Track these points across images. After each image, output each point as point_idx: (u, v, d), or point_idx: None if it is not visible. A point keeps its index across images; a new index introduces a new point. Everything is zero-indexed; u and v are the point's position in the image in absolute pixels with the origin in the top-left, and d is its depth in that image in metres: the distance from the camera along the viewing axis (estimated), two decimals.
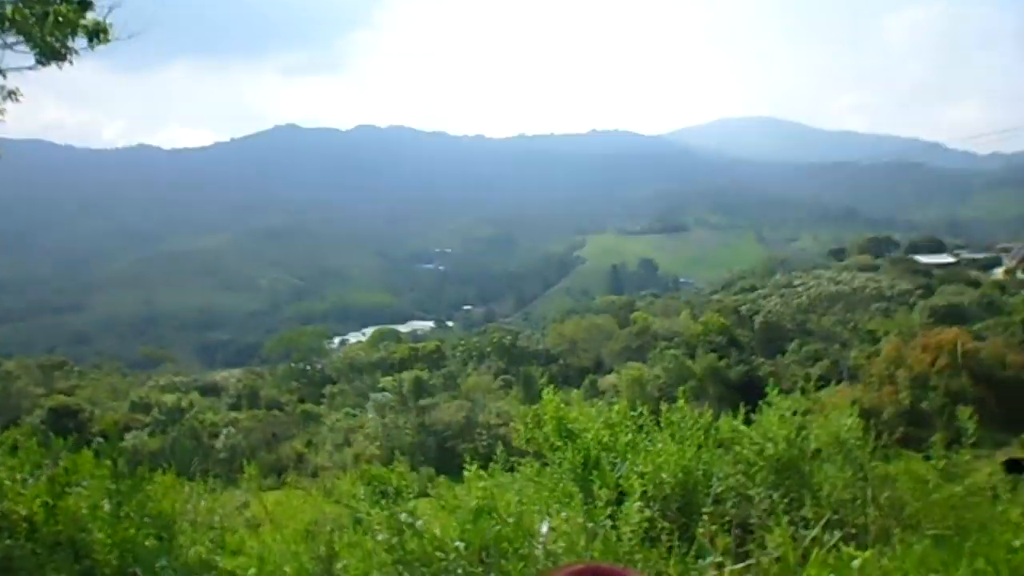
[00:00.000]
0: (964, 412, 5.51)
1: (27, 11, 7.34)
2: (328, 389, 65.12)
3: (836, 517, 4.76)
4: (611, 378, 52.91)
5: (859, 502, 4.84)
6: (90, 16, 7.74)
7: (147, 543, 4.95)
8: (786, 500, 4.79)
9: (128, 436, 38.33)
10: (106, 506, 5.25)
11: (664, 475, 5.23)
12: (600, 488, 4.82)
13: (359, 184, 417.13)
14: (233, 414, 49.10)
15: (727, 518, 4.91)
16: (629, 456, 5.59)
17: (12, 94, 8.23)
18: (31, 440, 6.33)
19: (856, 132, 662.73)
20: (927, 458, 5.56)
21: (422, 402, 45.60)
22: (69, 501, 5.20)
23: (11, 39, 7.60)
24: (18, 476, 5.60)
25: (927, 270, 75.24)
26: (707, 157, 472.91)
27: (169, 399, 48.51)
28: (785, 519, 4.41)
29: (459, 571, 4.44)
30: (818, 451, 5.42)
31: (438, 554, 4.55)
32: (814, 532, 4.43)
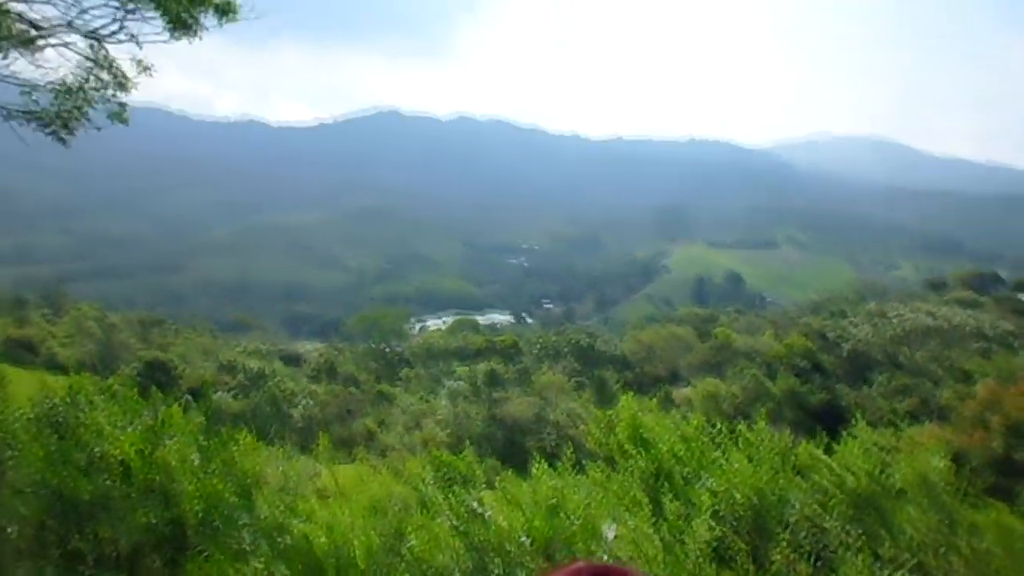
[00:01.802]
0: None
1: None
2: (404, 371, 66.25)
3: (916, 561, 4.57)
4: (686, 391, 51.97)
5: (943, 549, 4.63)
6: None
7: (230, 499, 5.19)
8: (863, 536, 4.64)
9: (214, 396, 39.99)
10: (195, 459, 5.54)
11: (737, 495, 5.13)
12: (671, 500, 4.79)
13: (453, 172, 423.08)
14: (312, 386, 50.51)
15: (802, 546, 4.79)
16: (703, 471, 5.51)
17: (147, 69, 8.75)
18: (131, 390, 6.74)
19: (967, 159, 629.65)
20: (1020, 512, 5.28)
21: (494, 394, 45.81)
22: (162, 451, 5.51)
23: (148, 13, 8.06)
24: (118, 422, 5.96)
25: None
26: (805, 173, 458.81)
27: (254, 364, 50.32)
28: (864, 555, 4.28)
29: (524, 564, 4.49)
30: (902, 490, 5.21)
31: (505, 545, 4.61)
32: (897, 575, 4.28)
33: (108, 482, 5.18)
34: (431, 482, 6.16)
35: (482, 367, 50.02)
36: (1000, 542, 4.72)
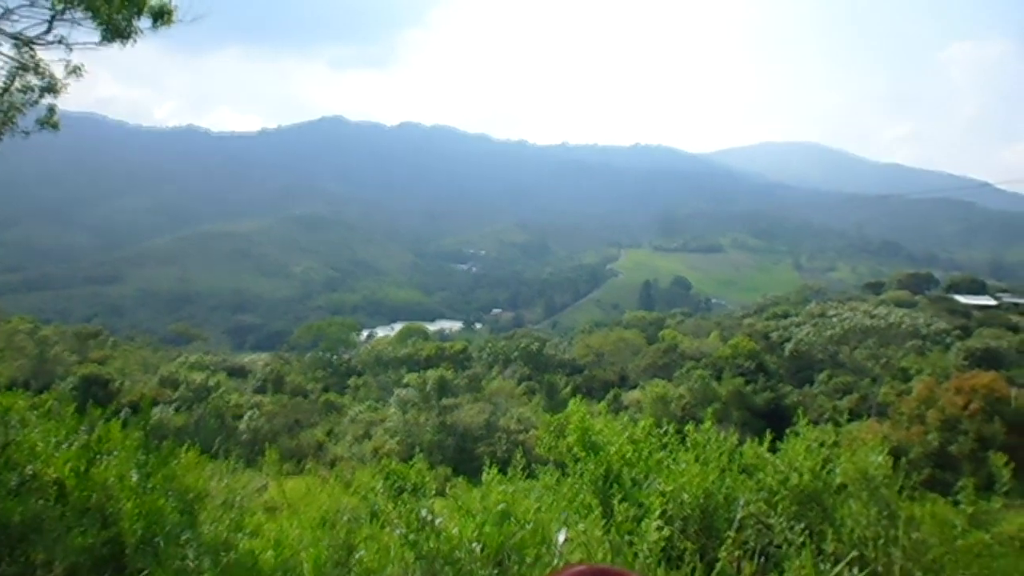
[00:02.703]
0: (998, 459, 5.40)
1: None
2: (353, 381, 65.56)
3: (859, 555, 4.68)
4: (635, 393, 52.54)
5: (883, 542, 4.75)
6: None
7: (172, 516, 5.04)
8: (808, 533, 4.73)
9: (155, 410, 38.92)
10: (134, 477, 5.37)
11: (686, 495, 5.19)
12: (620, 503, 4.81)
13: (399, 180, 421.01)
14: (258, 397, 49.58)
15: (749, 544, 4.87)
16: (652, 473, 5.56)
17: (76, 70, 8.49)
18: (68, 406, 6.50)
19: (903, 165, 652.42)
20: (955, 503, 5.45)
21: (444, 401, 45.58)
22: (99, 469, 5.32)
23: (79, 15, 7.81)
24: (52, 440, 5.74)
25: (966, 311, 73.63)
26: (748, 179, 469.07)
27: (197, 377, 49.11)
28: (808, 551, 4.36)
29: (475, 572, 4.46)
30: (844, 486, 5.33)
31: (455, 554, 4.58)
32: (838, 569, 4.37)
33: (41, 503, 4.97)
34: (381, 492, 6.09)
35: (432, 374, 49.74)
36: (937, 533, 4.87)
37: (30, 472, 5.28)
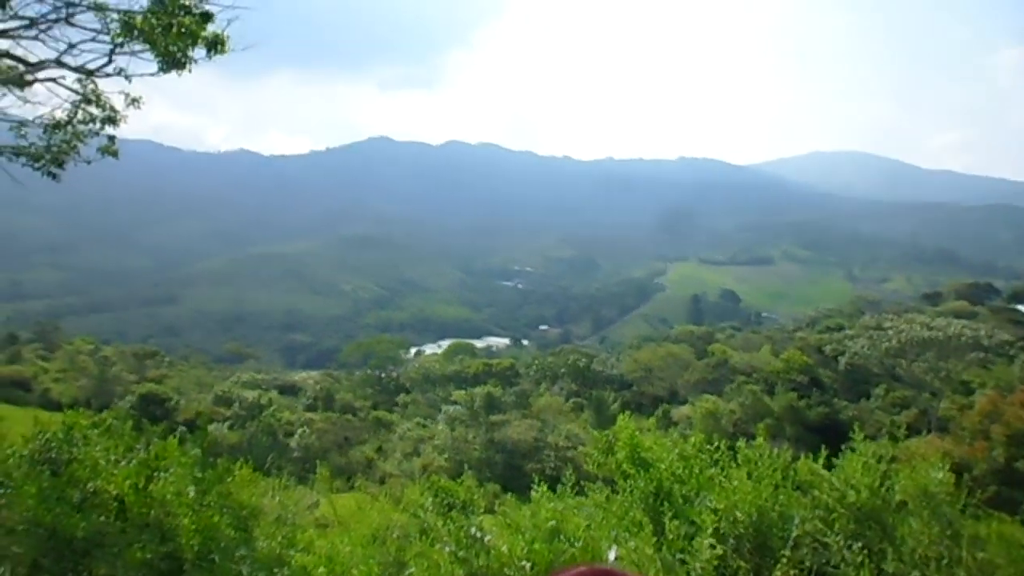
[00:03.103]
0: None
1: (154, 21, 7.82)
2: (401, 398, 66.04)
3: (921, 575, 4.54)
4: (685, 409, 51.81)
5: (947, 562, 4.60)
6: (210, 28, 8.19)
7: (227, 532, 5.13)
8: (866, 552, 4.60)
9: (210, 428, 39.70)
10: (191, 493, 5.49)
11: (738, 513, 5.10)
12: (671, 520, 4.75)
13: (446, 198, 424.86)
14: (309, 415, 50.24)
15: (805, 563, 4.76)
16: (703, 490, 5.48)
17: (135, 101, 8.81)
18: (126, 424, 6.69)
19: (956, 172, 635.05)
20: (1023, 522, 5.25)
21: (493, 418, 45.60)
22: (158, 485, 5.45)
23: (137, 47, 8.11)
24: (112, 457, 5.91)
25: None
26: (797, 190, 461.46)
27: (250, 395, 50.06)
28: (867, 571, 4.24)
29: None
30: (904, 503, 5.18)
31: (505, 571, 4.56)
32: None
33: (103, 518, 5.11)
34: (430, 509, 6.11)
35: (480, 391, 49.83)
36: (1003, 553, 4.69)
37: (91, 488, 5.44)
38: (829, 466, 5.69)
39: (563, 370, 66.88)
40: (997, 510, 5.83)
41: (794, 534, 4.94)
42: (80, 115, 8.78)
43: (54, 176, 8.84)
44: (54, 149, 8.68)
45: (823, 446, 6.10)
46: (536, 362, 75.06)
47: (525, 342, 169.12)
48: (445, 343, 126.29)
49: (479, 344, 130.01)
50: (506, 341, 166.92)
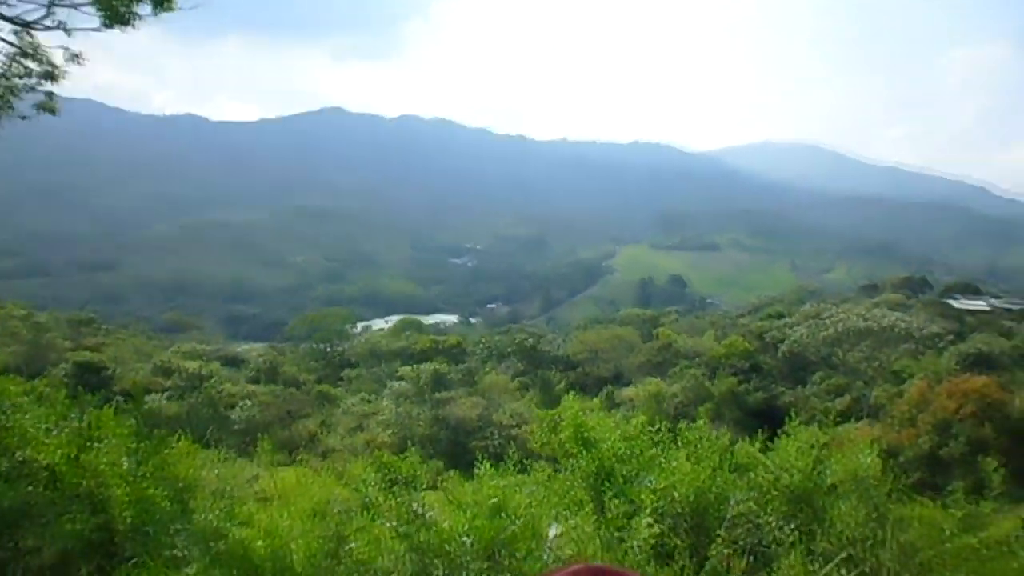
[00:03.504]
0: (989, 463, 5.42)
1: None
2: (347, 373, 65.48)
3: (848, 555, 4.69)
4: (629, 391, 52.50)
5: (873, 543, 4.76)
6: None
7: (163, 504, 5.03)
8: (798, 532, 4.75)
9: (148, 398, 38.83)
10: (125, 464, 5.35)
11: (677, 493, 5.20)
12: (612, 499, 4.81)
13: (398, 173, 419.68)
14: (252, 387, 49.42)
15: (739, 543, 4.88)
16: (644, 471, 5.57)
17: (76, 57, 8.45)
18: (60, 392, 6.49)
19: (902, 167, 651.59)
20: (945, 506, 5.46)
21: (438, 395, 45.60)
22: (91, 455, 5.31)
23: (79, 0, 7.77)
24: (44, 426, 5.72)
25: (960, 315, 73.71)
26: (747, 178, 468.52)
27: (191, 366, 49.03)
28: (798, 550, 4.37)
29: (466, 566, 4.46)
30: (834, 486, 5.35)
31: (446, 547, 4.58)
32: (827, 568, 4.39)
33: (32, 488, 4.96)
34: (374, 484, 6.08)
35: (427, 368, 49.76)
36: (927, 535, 4.89)
37: (21, 458, 5.27)
38: (766, 449, 5.83)
39: (510, 349, 67.11)
40: (921, 494, 6.06)
41: (730, 514, 5.07)
42: (16, 68, 8.39)
43: None
44: None
45: (761, 430, 6.26)
46: (484, 340, 75.16)
47: (474, 320, 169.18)
48: (393, 319, 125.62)
49: (427, 320, 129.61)
50: (455, 318, 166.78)
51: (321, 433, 43.58)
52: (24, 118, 8.68)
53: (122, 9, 7.74)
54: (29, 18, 8.00)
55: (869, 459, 5.32)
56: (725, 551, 4.65)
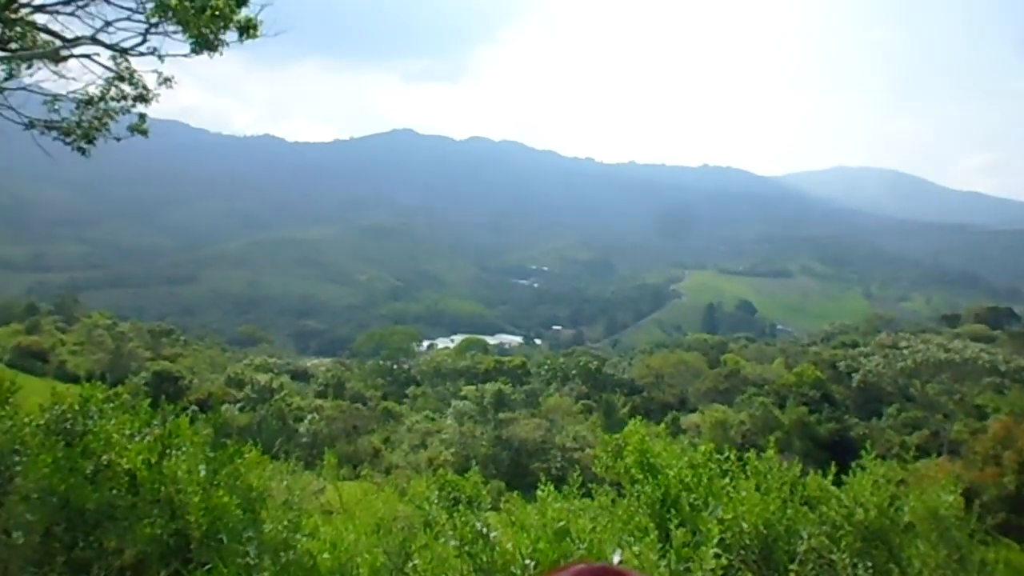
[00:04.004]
0: None
1: (188, 3, 7.90)
2: (411, 390, 66.21)
3: None
4: (694, 417, 51.65)
5: None
6: (243, 12, 8.26)
7: (235, 513, 5.18)
8: (873, 571, 4.58)
9: (222, 408, 39.95)
10: (202, 472, 5.54)
11: (745, 524, 5.09)
12: (677, 527, 4.74)
13: (466, 193, 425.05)
14: (319, 401, 50.47)
15: None
16: (711, 499, 5.47)
17: (167, 81, 8.92)
18: (142, 400, 6.76)
19: (984, 194, 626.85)
20: None
21: (501, 415, 45.66)
22: (170, 462, 5.51)
23: (171, 28, 8.20)
24: (126, 431, 5.97)
25: None
26: (819, 204, 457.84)
27: (262, 378, 50.38)
28: None
29: None
30: (912, 524, 5.15)
31: (510, 568, 4.58)
32: None
33: (114, 491, 5.18)
34: (436, 502, 6.13)
35: (490, 387, 49.90)
36: None
37: (105, 461, 5.50)
38: (838, 483, 5.65)
39: (574, 371, 66.81)
40: (1005, 537, 5.79)
41: (801, 549, 4.93)
42: (112, 92, 8.91)
43: (83, 151, 8.97)
44: (85, 124, 8.81)
45: (832, 462, 6.07)
46: (548, 362, 75.05)
47: (538, 341, 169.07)
48: (458, 338, 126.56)
49: (491, 341, 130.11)
50: (519, 339, 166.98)
51: (384, 449, 44.15)
52: (119, 139, 9.18)
53: (211, 37, 8.13)
54: (126, 45, 8.48)
55: (950, 497, 5.10)
56: None
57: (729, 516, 5.10)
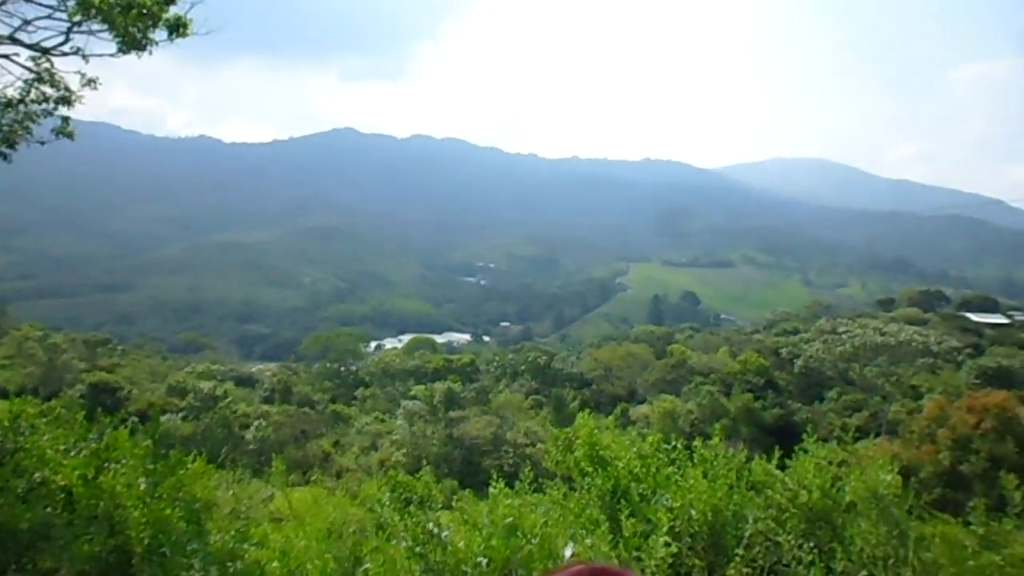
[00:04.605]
0: (1009, 480, 5.33)
1: (112, 1, 7.63)
2: (360, 392, 65.53)
3: (868, 575, 4.64)
4: (643, 408, 52.30)
5: (893, 561, 4.70)
6: (172, 10, 8.02)
7: (179, 525, 5.04)
8: (817, 551, 4.69)
9: (162, 419, 38.89)
10: (142, 485, 5.36)
11: (694, 512, 5.16)
12: (628, 518, 4.78)
13: (410, 192, 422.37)
14: (265, 407, 49.56)
15: (758, 562, 4.83)
16: (660, 489, 5.53)
17: (92, 82, 8.59)
18: (77, 413, 6.52)
19: (914, 182, 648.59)
20: (966, 523, 5.39)
21: (452, 414, 45.55)
22: (108, 476, 5.32)
23: (96, 27, 7.90)
24: (60, 447, 5.75)
25: (978, 329, 73.14)
26: (759, 195, 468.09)
27: (205, 386, 49.19)
28: (817, 570, 4.33)
29: None
30: (853, 504, 5.28)
31: (462, 567, 4.56)
32: None
33: (49, 510, 4.98)
34: (388, 504, 6.06)
35: (439, 387, 49.73)
36: (947, 553, 4.81)
37: (38, 479, 5.29)
38: (782, 467, 5.78)
39: (523, 367, 67.02)
40: (942, 512, 5.98)
41: (747, 533, 5.01)
42: (33, 94, 8.54)
43: (5, 156, 8.60)
44: (5, 128, 8.44)
45: (777, 447, 6.20)
46: (496, 359, 75.12)
47: (486, 338, 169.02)
48: (405, 338, 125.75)
49: (440, 339, 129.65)
50: (467, 337, 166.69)
51: (335, 452, 43.60)
52: (42, 143, 8.82)
53: (138, 35, 7.87)
54: (47, 45, 8.15)
55: (888, 476, 5.25)
56: (743, 570, 4.60)
57: (678, 504, 5.16)
